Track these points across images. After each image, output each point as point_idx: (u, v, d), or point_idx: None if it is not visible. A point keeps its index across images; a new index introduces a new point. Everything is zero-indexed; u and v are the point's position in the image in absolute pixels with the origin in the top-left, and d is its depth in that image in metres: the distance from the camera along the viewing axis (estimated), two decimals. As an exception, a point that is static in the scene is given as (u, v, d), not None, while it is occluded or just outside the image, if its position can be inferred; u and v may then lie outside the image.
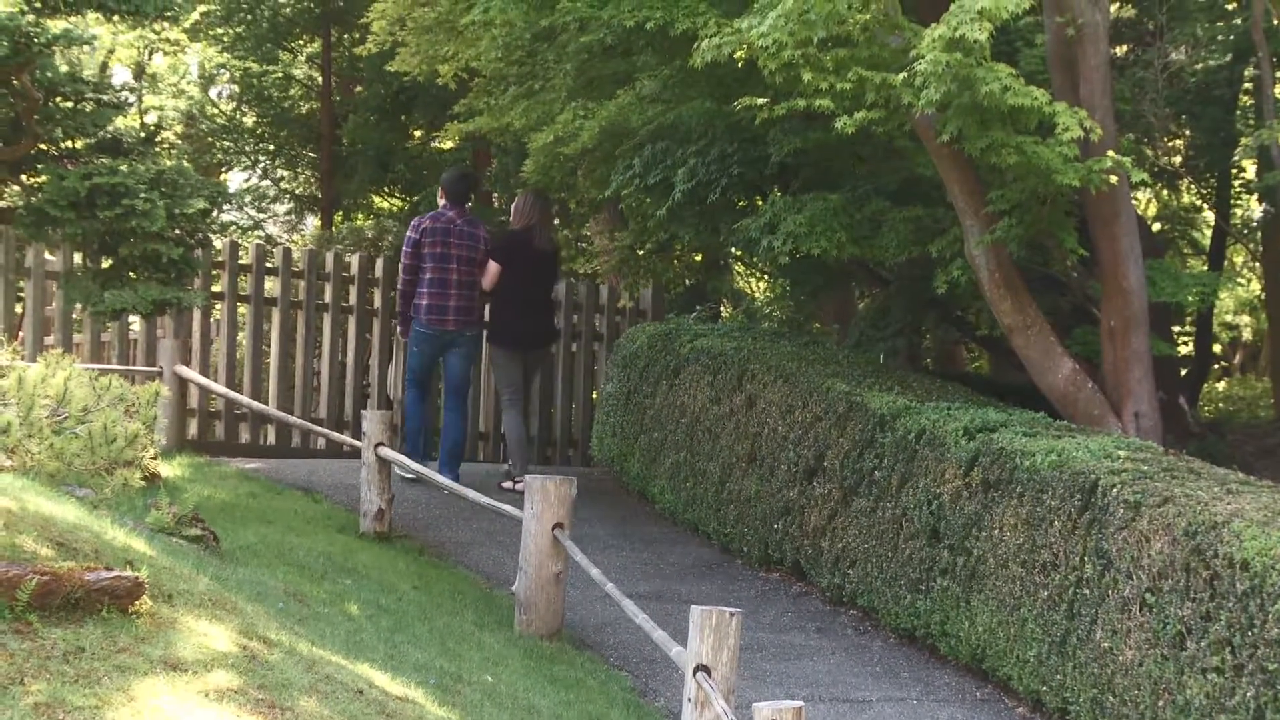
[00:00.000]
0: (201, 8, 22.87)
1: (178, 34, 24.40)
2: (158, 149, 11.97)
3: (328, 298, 15.84)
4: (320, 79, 23.26)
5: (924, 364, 16.77)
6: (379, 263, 16.12)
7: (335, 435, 13.47)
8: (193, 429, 15.05)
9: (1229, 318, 21.47)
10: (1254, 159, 14.12)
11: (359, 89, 23.16)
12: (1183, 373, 14.49)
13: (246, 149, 24.99)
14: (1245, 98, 14.38)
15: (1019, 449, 9.36)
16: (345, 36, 22.71)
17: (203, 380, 14.42)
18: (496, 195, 21.34)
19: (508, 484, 13.60)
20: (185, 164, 11.92)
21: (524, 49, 14.17)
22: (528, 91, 14.80)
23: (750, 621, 9.66)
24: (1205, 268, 15.48)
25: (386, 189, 24.18)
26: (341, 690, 6.65)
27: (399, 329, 14.14)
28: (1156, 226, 16.74)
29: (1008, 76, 9.79)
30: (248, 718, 6.03)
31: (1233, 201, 15.77)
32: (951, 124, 10.09)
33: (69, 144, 11.38)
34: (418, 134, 23.34)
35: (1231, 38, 13.20)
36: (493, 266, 13.65)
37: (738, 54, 10.45)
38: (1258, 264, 18.18)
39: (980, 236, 10.85)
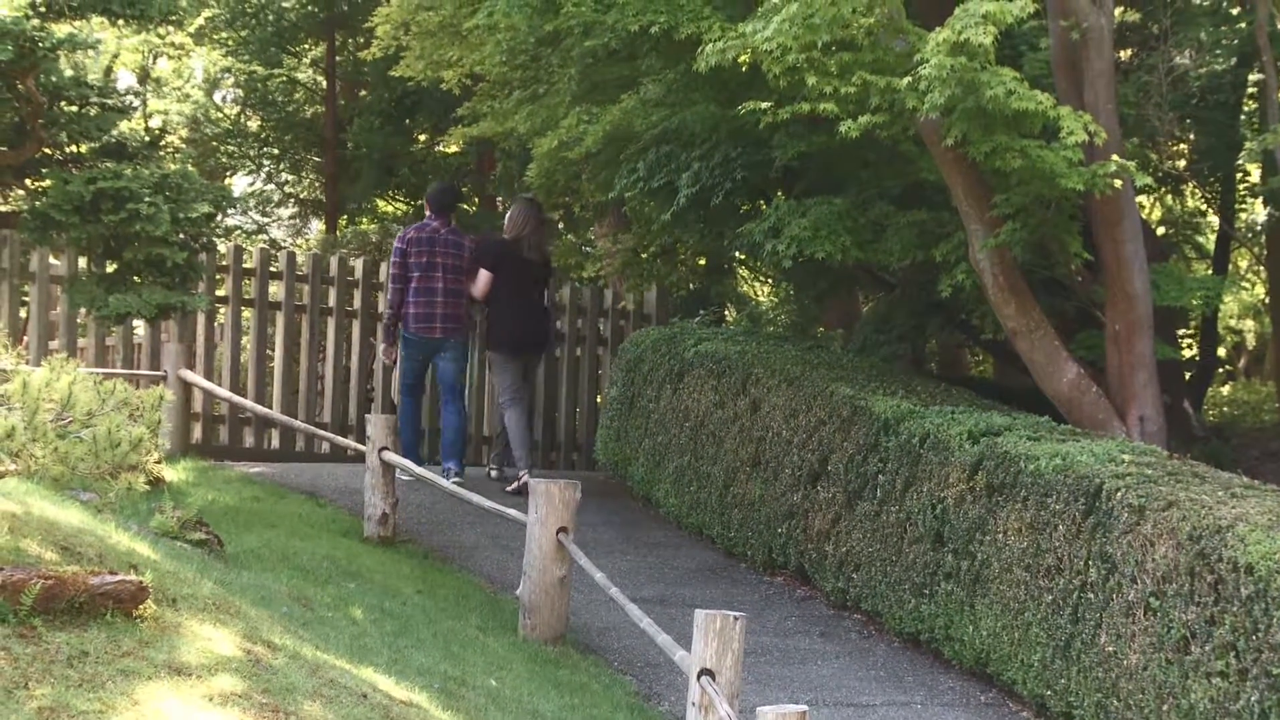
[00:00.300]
0: (206, 12, 22.89)
1: (182, 38, 24.42)
2: (162, 153, 12.00)
3: (332, 302, 15.85)
4: (325, 83, 23.26)
5: (928, 368, 16.77)
6: (383, 267, 16.12)
7: (339, 439, 13.48)
8: (197, 433, 15.06)
9: (1233, 322, 21.45)
10: (1258, 163, 14.10)
11: (363, 93, 23.17)
12: (1187, 377, 14.47)
13: (251, 153, 24.99)
14: (1249, 102, 14.37)
15: (1023, 453, 9.36)
16: (350, 41, 22.71)
17: (207, 384, 14.42)
18: (500, 200, 21.34)
19: (512, 487, 13.69)
20: (189, 168, 11.92)
21: (528, 53, 14.18)
22: (532, 96, 14.80)
23: (754, 626, 9.66)
24: (1210, 272, 15.47)
25: (391, 193, 24.19)
26: (345, 694, 6.65)
27: (382, 345, 14.37)
28: (1161, 231, 16.72)
29: (1012, 80, 9.78)
30: (252, 722, 6.04)
31: (1237, 206, 15.75)
32: (956, 128, 10.09)
33: (73, 148, 11.41)
34: (422, 138, 23.35)
35: (1236, 42, 13.18)
36: (483, 274, 13.93)
37: (742, 58, 10.45)
38: (1262, 268, 18.17)
39: (985, 240, 10.84)
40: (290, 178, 25.50)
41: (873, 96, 10.07)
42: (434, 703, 7.33)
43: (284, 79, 23.97)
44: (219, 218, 12.34)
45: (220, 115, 26.01)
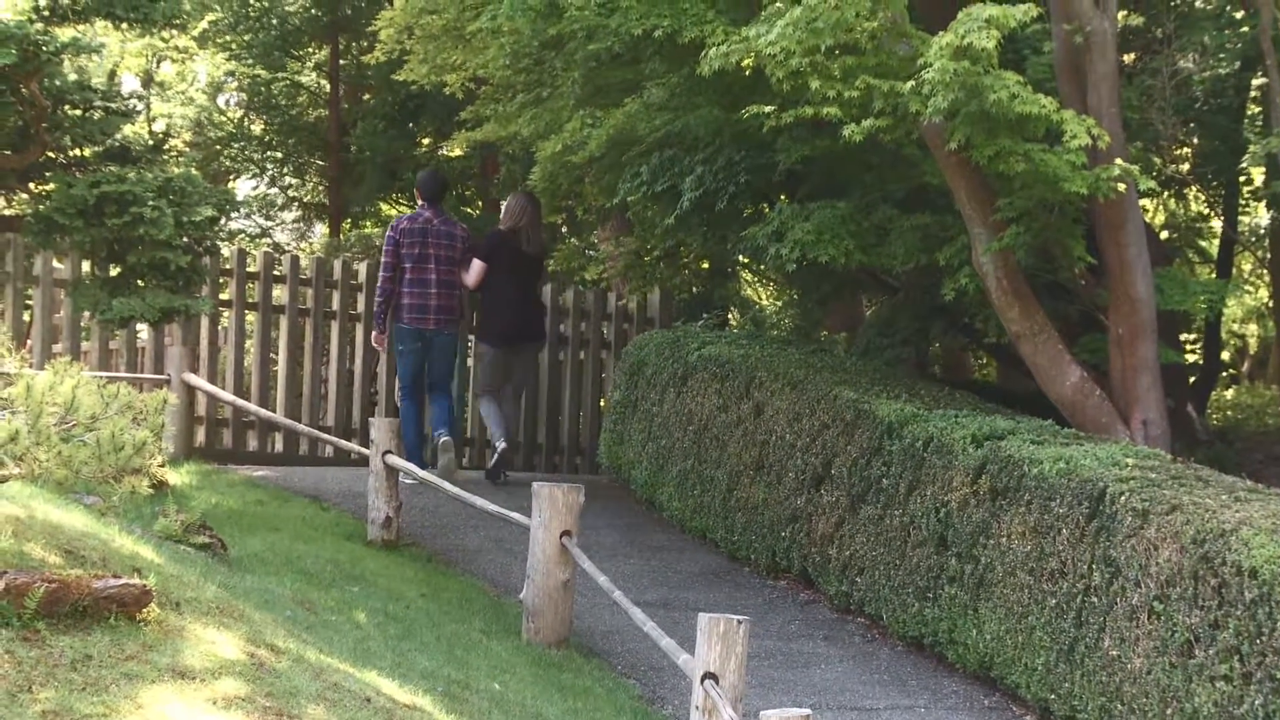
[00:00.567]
0: (209, 15, 22.89)
1: (186, 41, 24.44)
2: (166, 157, 12.01)
3: (336, 305, 15.86)
4: (328, 87, 23.27)
5: (931, 371, 16.76)
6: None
7: (343, 443, 13.49)
8: (200, 436, 15.06)
9: (1235, 326, 21.44)
10: (1262, 166, 14.10)
11: (367, 96, 23.17)
12: (1191, 380, 14.46)
13: (254, 156, 24.98)
14: (1253, 106, 14.37)
15: (1027, 457, 9.35)
16: (353, 44, 22.71)
17: (210, 388, 14.43)
18: (504, 203, 21.33)
19: (492, 463, 14.21)
20: (193, 172, 11.92)
21: (531, 57, 14.19)
22: (535, 99, 14.81)
23: (758, 629, 9.64)
24: (1213, 276, 15.46)
25: (394, 196, 24.18)
26: (349, 698, 6.65)
27: (375, 333, 14.37)
28: (1164, 235, 16.72)
29: (1015, 84, 9.78)
30: (255, 725, 6.04)
31: (1240, 209, 15.75)
32: (959, 132, 10.09)
33: (77, 152, 11.42)
34: (426, 141, 23.33)
35: (1239, 46, 13.18)
36: (477, 264, 14.07)
37: (745, 62, 10.45)
38: (1265, 272, 18.16)
39: (988, 244, 10.84)
40: (294, 181, 25.49)
41: (876, 100, 10.08)
42: (437, 706, 7.33)
43: (287, 83, 23.97)
44: (222, 221, 12.33)
45: (224, 119, 26.02)
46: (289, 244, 26.37)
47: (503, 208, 14.77)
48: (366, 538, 11.72)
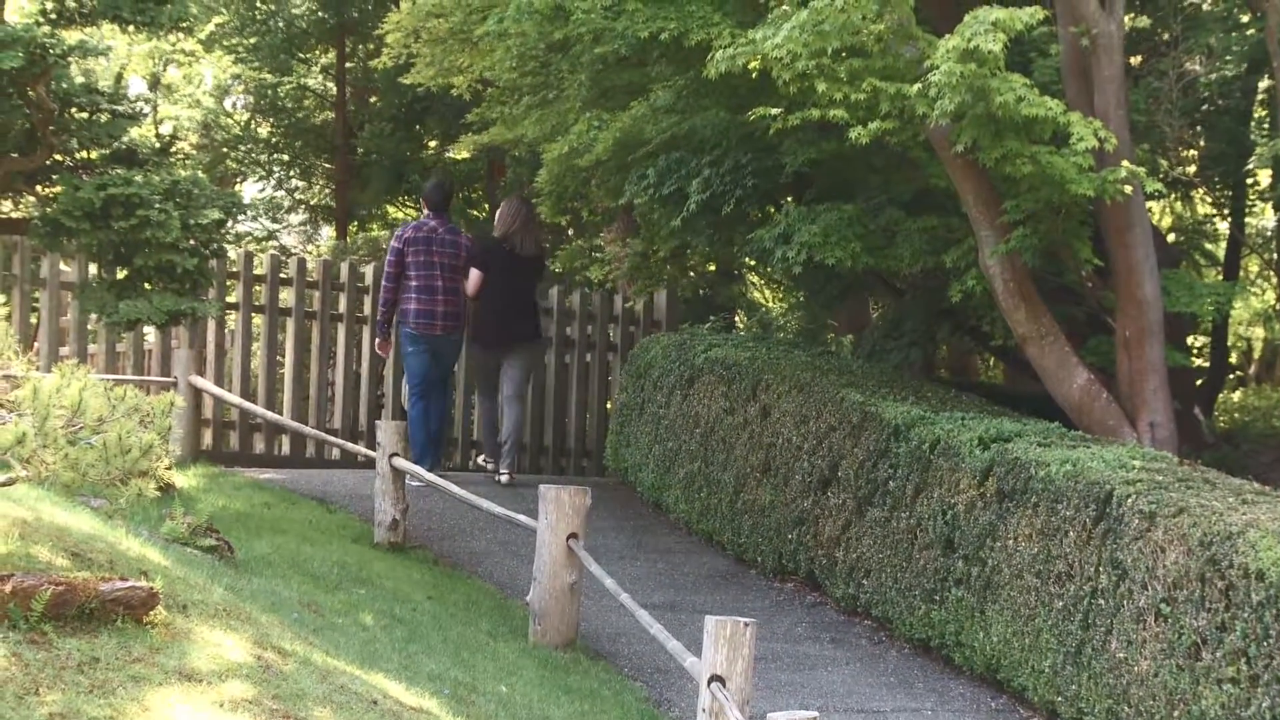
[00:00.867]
0: (216, 19, 22.91)
1: (192, 45, 24.45)
2: (172, 159, 11.99)
3: (342, 308, 15.87)
4: (335, 89, 23.28)
5: (938, 374, 16.75)
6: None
7: (350, 445, 13.51)
8: (207, 439, 15.07)
9: (1241, 329, 21.41)
10: (1268, 168, 14.11)
11: (373, 99, 23.17)
12: (1198, 383, 14.46)
13: (261, 159, 25.01)
14: (1260, 108, 14.37)
15: (1034, 459, 9.35)
16: (360, 47, 22.73)
17: (217, 390, 14.45)
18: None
19: (496, 470, 14.40)
20: (200, 174, 11.91)
21: (538, 60, 14.19)
22: (541, 101, 14.82)
23: (765, 632, 9.65)
24: (1220, 278, 15.45)
25: (401, 199, 24.20)
26: (356, 700, 6.65)
27: (378, 340, 14.56)
28: (1171, 237, 16.71)
29: (1022, 87, 9.78)
30: (262, 728, 6.05)
31: (1247, 211, 15.74)
32: (966, 134, 10.09)
33: (84, 155, 11.41)
34: (432, 144, 23.35)
35: (1246, 48, 13.17)
36: (474, 273, 14.27)
37: (752, 65, 10.45)
38: (1273, 273, 18.15)
39: (995, 246, 10.84)
40: (300, 184, 25.51)
41: (883, 103, 10.07)
42: (444, 709, 7.33)
43: (294, 85, 23.98)
44: (229, 224, 12.33)
45: (230, 121, 26.04)
46: (296, 247, 26.37)
47: (497, 214, 14.86)
48: (373, 540, 11.72)
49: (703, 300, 19.54)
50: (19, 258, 14.69)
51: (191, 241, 11.08)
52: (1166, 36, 12.97)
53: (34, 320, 15.21)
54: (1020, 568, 9.20)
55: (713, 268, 19.66)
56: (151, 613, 6.64)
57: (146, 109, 20.05)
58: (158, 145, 12.07)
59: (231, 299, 15.59)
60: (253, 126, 25.45)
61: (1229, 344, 17.69)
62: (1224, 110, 13.90)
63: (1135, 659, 8.16)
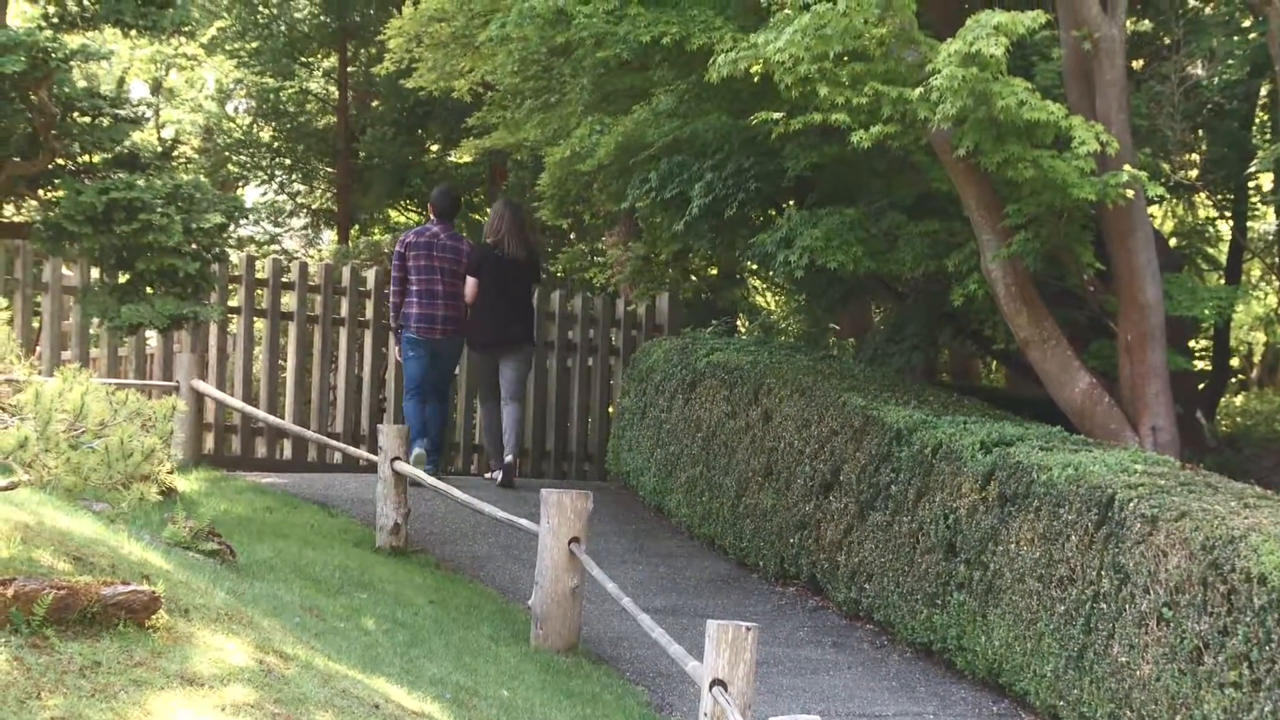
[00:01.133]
0: (218, 23, 22.93)
1: (194, 49, 24.47)
2: (174, 164, 12.01)
3: (344, 312, 15.86)
4: (336, 93, 23.30)
5: (940, 378, 16.75)
6: (395, 277, 16.14)
7: (351, 450, 13.51)
8: (209, 443, 15.06)
9: (1242, 333, 21.41)
10: (1270, 172, 14.11)
11: (375, 103, 23.19)
12: (1200, 387, 14.45)
13: (263, 163, 25.03)
14: (1261, 112, 14.37)
15: (1036, 463, 9.35)
16: (362, 51, 22.74)
17: (219, 395, 14.44)
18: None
19: (489, 475, 14.70)
20: (202, 178, 11.96)
21: (540, 64, 14.20)
22: (544, 105, 14.83)
23: (766, 636, 9.65)
24: (1222, 282, 15.46)
25: (403, 203, 24.22)
26: (357, 705, 6.65)
27: (396, 344, 14.93)
28: (1173, 241, 16.71)
29: (1024, 91, 9.79)
30: (264, 732, 6.05)
31: (1249, 215, 15.74)
32: (968, 138, 10.09)
33: (86, 159, 11.41)
34: (434, 148, 23.37)
35: (1247, 52, 13.18)
36: (470, 280, 14.49)
37: (754, 69, 10.46)
38: (1275, 278, 18.16)
39: (996, 250, 10.84)
40: (302, 188, 25.53)
41: (884, 107, 10.08)
42: (446, 713, 7.33)
43: (296, 89, 24.01)
44: (231, 228, 12.32)
45: (232, 126, 26.05)
46: (297, 251, 26.38)
47: (486, 222, 15.06)
48: (375, 544, 11.72)
49: (705, 304, 19.54)
50: (21, 262, 14.69)
51: (193, 245, 11.09)
52: (1168, 40, 12.98)
53: (36, 324, 15.21)
54: (1022, 572, 9.20)
55: (714, 272, 19.67)
56: (153, 617, 6.64)
57: (148, 113, 20.11)
58: (160, 149, 12.08)
59: (233, 303, 15.58)
60: (254, 131, 25.47)
61: (1231, 348, 17.69)
62: (1226, 114, 13.90)
63: (1137, 663, 8.16)
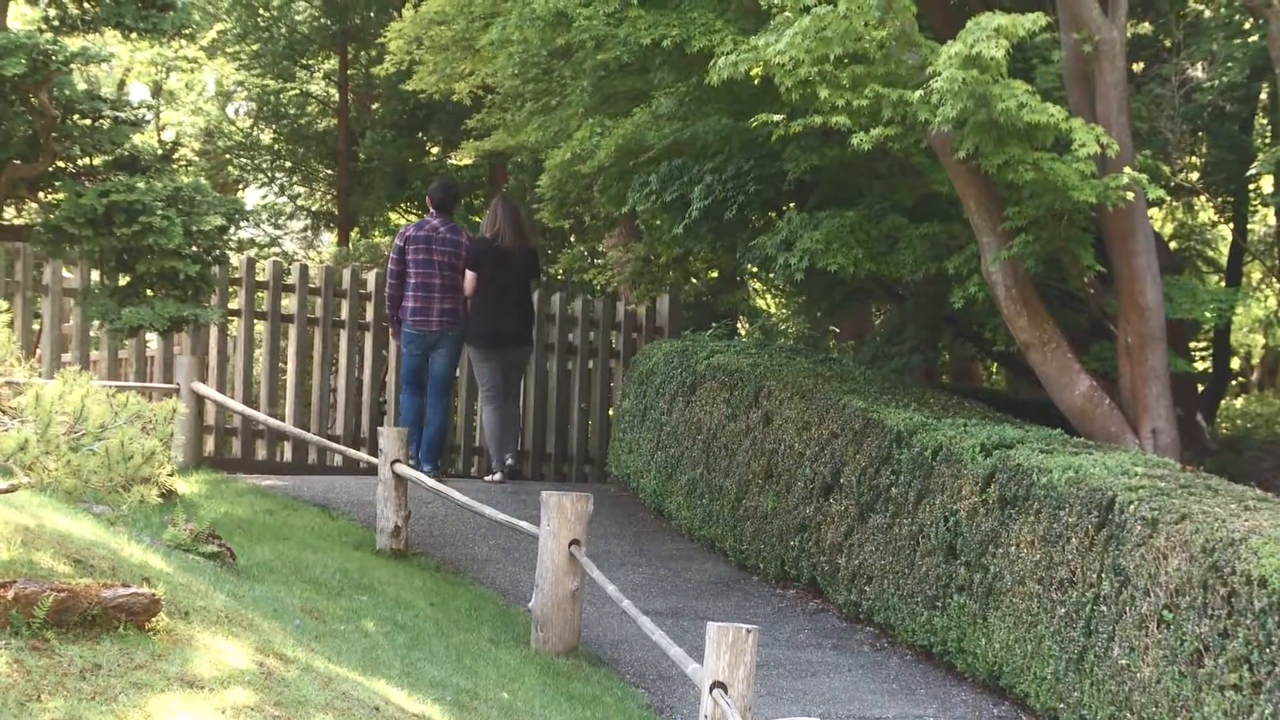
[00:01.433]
0: (218, 25, 22.94)
1: (195, 51, 24.49)
2: (175, 166, 12.00)
3: (345, 314, 15.87)
4: (337, 95, 23.30)
5: (940, 380, 16.75)
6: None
7: (352, 452, 13.51)
8: (210, 446, 15.07)
9: (1242, 335, 21.42)
10: (1270, 174, 14.11)
11: (376, 106, 23.20)
12: (1200, 389, 14.46)
13: (263, 166, 25.04)
14: (1262, 115, 14.38)
15: (1036, 465, 9.35)
16: (362, 54, 22.75)
17: (220, 397, 14.44)
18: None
19: (489, 477, 14.79)
20: (202, 181, 11.91)
21: (540, 66, 14.22)
22: (544, 108, 14.84)
23: (767, 638, 9.65)
24: (1222, 284, 15.47)
25: (403, 205, 24.22)
26: (358, 707, 6.65)
27: (394, 338, 15.12)
28: (1173, 243, 16.72)
29: (1024, 93, 9.78)
30: (264, 734, 6.04)
31: (1249, 217, 15.75)
32: (968, 141, 10.09)
33: (87, 161, 11.41)
34: (434, 150, 23.38)
35: (1247, 54, 13.18)
36: (469, 275, 14.65)
37: (754, 71, 10.46)
38: (1275, 280, 18.16)
39: (997, 253, 10.84)
40: (302, 190, 25.54)
41: (885, 109, 10.08)
42: (446, 715, 7.33)
43: (296, 92, 24.02)
44: (231, 230, 12.32)
45: (233, 128, 26.06)
46: (298, 253, 26.39)
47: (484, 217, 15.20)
48: (375, 547, 11.72)
49: (705, 306, 19.54)
50: (21, 264, 14.69)
51: (194, 248, 11.08)
52: (1168, 43, 12.98)
53: (36, 327, 15.21)
54: (1022, 574, 9.20)
55: (715, 274, 19.68)
56: (154, 619, 6.64)
57: (149, 115, 20.07)
58: (160, 152, 12.07)
59: (234, 305, 15.59)
60: (255, 133, 25.48)
61: (1231, 350, 17.69)
62: (1226, 116, 13.91)
63: (1138, 666, 8.16)
